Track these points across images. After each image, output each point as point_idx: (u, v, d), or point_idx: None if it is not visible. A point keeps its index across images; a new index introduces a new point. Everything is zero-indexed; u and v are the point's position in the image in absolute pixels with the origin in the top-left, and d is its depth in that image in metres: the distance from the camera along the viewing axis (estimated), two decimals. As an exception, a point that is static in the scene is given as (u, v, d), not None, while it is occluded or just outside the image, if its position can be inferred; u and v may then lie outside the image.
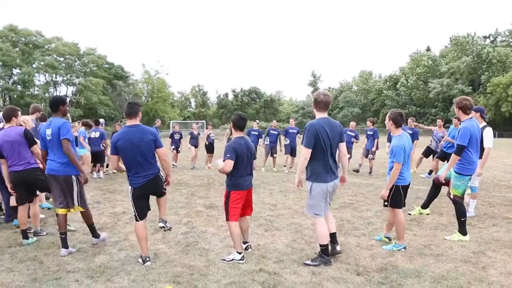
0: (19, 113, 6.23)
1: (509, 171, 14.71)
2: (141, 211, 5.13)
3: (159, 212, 5.55)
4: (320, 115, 5.06)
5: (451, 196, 6.23)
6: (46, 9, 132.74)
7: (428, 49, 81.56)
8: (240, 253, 5.16)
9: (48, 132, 5.40)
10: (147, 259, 5.08)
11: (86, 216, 5.79)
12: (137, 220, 5.12)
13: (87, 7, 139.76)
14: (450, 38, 72.91)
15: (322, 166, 4.98)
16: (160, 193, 5.36)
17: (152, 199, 5.26)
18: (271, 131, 15.77)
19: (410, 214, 7.50)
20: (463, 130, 5.90)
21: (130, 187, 5.07)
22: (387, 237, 6.02)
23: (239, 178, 5.21)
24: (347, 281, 4.54)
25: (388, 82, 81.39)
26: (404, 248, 5.59)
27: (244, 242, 5.55)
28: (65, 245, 5.45)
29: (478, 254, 5.45)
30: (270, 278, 4.60)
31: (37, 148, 5.88)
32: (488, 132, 7.17)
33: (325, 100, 5.02)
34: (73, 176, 5.45)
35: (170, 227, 5.66)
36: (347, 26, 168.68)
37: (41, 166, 5.96)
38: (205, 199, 9.26)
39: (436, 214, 7.66)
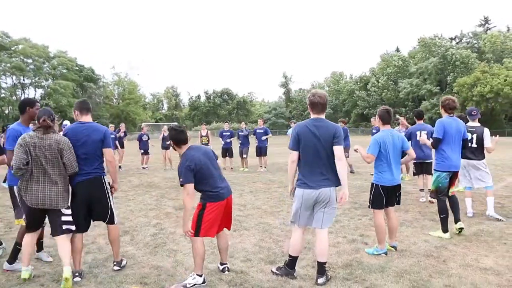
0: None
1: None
2: (79, 218, 4.69)
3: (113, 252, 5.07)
4: (313, 116, 4.65)
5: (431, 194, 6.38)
6: (13, 9, 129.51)
7: (397, 50, 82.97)
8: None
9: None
10: (77, 274, 4.67)
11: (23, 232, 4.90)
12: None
13: (55, 7, 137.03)
14: (418, 40, 74.41)
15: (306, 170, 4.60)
16: (103, 209, 4.84)
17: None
18: (239, 133, 16.05)
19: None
20: (437, 124, 6.16)
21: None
22: (392, 246, 5.62)
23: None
24: (312, 278, 4.61)
25: (359, 83, 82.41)
26: (385, 253, 5.41)
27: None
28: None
29: (440, 248, 5.64)
30: (237, 277, 4.66)
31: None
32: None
33: (322, 102, 4.58)
34: (15, 187, 4.91)
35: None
36: (318, 27, 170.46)
37: None
38: (175, 201, 9.24)
39: (402, 211, 7.85)
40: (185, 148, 4.59)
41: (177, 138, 4.58)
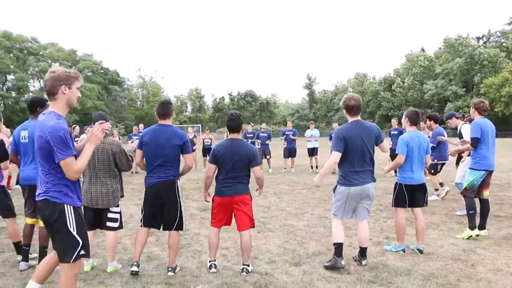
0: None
1: (502, 170, 14.79)
2: (148, 215, 4.85)
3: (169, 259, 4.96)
4: (351, 119, 5.07)
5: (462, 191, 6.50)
6: (42, 14, 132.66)
7: (422, 50, 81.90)
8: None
9: (24, 134, 4.92)
10: (135, 264, 4.77)
11: (45, 234, 4.81)
12: (140, 225, 4.94)
13: (82, 11, 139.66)
14: (443, 40, 73.21)
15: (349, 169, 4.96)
16: (172, 212, 4.82)
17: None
18: (261, 134, 16.01)
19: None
20: (473, 125, 6.24)
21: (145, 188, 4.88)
22: (418, 249, 5.56)
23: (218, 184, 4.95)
24: (338, 280, 4.58)
25: (383, 84, 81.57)
26: (403, 250, 5.53)
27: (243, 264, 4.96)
28: (25, 258, 5.07)
29: (468, 252, 5.52)
30: (262, 279, 4.65)
31: (6, 164, 5.24)
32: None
33: (358, 104, 5.01)
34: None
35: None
36: (341, 29, 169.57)
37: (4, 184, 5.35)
38: (199, 202, 9.28)
39: (428, 213, 7.71)
40: (231, 135, 4.96)
41: (227, 124, 5.01)
